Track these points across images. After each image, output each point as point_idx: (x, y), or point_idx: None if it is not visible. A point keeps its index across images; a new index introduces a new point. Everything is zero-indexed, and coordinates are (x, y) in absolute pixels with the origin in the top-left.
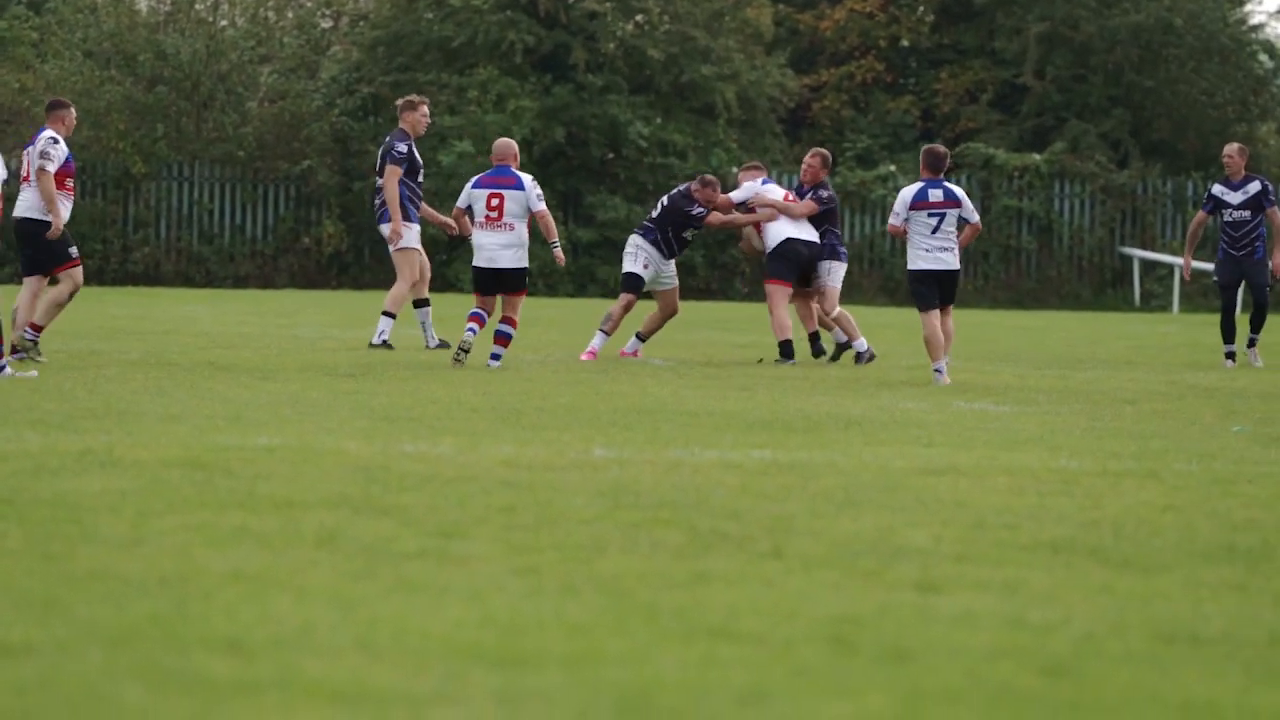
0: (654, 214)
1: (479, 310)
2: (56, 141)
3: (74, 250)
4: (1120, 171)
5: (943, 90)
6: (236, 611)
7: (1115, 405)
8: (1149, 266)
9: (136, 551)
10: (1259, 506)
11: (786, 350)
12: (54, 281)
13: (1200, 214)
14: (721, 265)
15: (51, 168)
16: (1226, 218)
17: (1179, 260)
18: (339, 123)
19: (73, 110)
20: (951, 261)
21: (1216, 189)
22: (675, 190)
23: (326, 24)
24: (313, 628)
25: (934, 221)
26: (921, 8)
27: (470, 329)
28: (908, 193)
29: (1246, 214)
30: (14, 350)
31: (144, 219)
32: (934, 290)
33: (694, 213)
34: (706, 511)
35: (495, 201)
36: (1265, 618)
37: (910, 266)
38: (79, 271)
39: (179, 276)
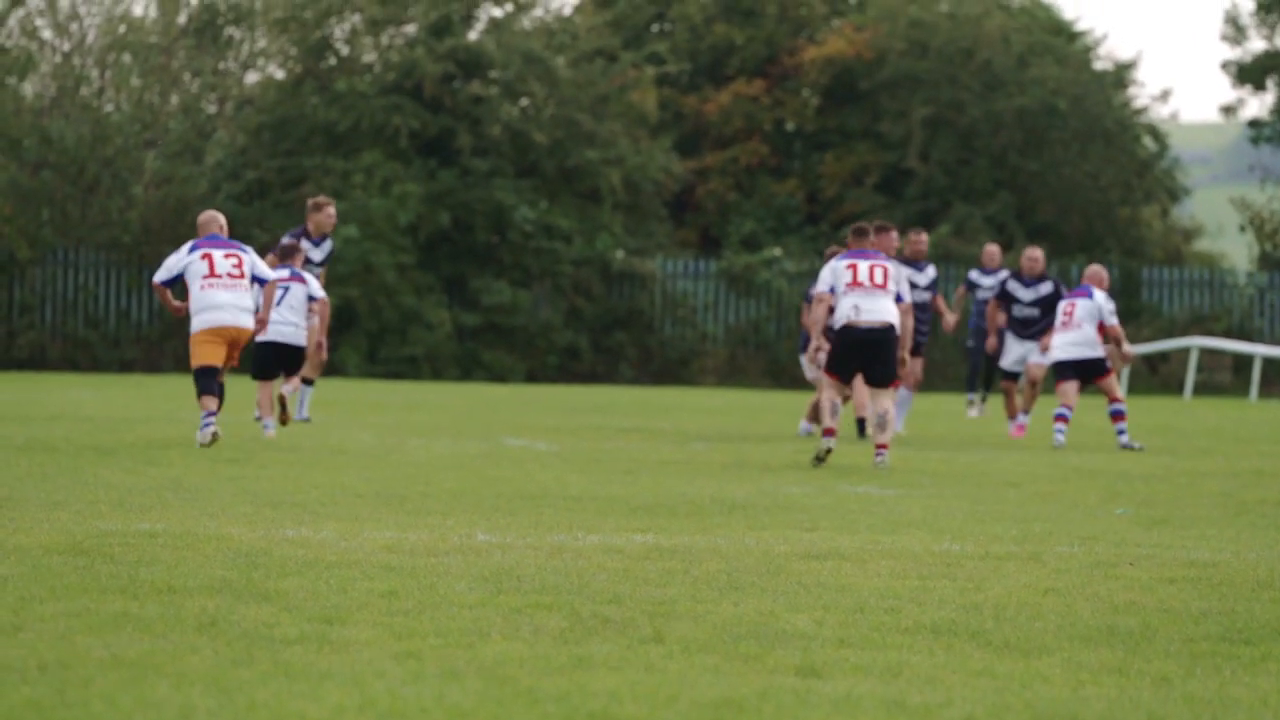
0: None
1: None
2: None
3: None
4: (1005, 254)
5: (827, 173)
6: (116, 698)
7: (998, 488)
8: None
9: (17, 638)
10: (1140, 589)
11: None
12: None
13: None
14: (606, 350)
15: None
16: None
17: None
18: (225, 207)
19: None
20: None
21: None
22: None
23: (212, 108)
24: (192, 713)
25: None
26: (806, 91)
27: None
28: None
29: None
30: None
31: (29, 304)
32: None
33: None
34: (588, 596)
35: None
36: (1145, 700)
37: None
38: None
39: (64, 361)
